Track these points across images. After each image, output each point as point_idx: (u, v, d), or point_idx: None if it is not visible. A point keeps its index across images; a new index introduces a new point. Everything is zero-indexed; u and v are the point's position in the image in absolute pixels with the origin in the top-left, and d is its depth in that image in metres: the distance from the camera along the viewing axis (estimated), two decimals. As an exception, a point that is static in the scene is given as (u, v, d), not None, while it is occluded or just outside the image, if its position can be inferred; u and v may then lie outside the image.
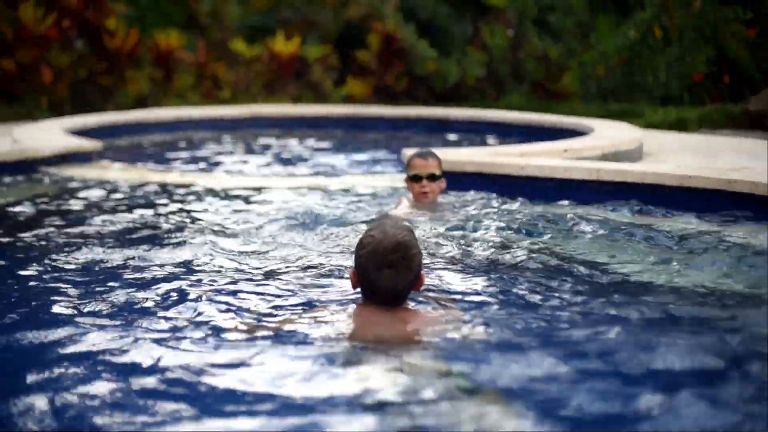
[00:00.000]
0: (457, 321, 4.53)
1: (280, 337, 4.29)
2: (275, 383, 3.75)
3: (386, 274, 4.29)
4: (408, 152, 8.93)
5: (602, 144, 10.22)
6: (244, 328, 4.49)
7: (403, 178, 7.89)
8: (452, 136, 14.35)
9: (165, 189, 8.96)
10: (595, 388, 3.75)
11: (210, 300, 4.93)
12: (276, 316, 4.71)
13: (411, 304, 4.56)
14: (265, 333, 4.40)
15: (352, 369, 3.89)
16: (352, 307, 4.56)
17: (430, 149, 7.93)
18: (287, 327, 4.44)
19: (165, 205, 8.22)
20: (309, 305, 4.92)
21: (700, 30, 17.12)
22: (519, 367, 3.92)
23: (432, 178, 7.45)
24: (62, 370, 3.95)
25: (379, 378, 3.79)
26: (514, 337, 4.39)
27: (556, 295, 5.18)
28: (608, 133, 11.25)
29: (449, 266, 5.87)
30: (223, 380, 3.82)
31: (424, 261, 5.05)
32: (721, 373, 3.94)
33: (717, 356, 4.06)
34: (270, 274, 5.55)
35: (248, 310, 4.80)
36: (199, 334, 4.39)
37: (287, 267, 5.73)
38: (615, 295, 5.21)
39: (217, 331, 4.43)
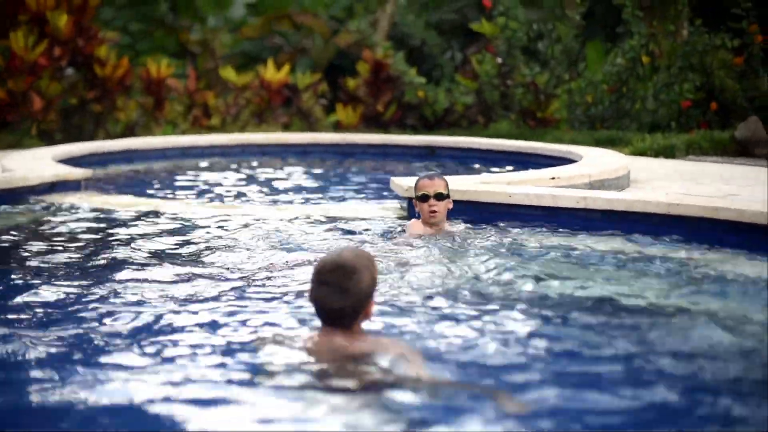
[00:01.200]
0: (400, 356, 4.55)
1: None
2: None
3: (321, 291, 4.53)
4: (399, 180, 9.04)
5: (590, 172, 10.26)
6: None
7: (413, 200, 8.05)
8: (440, 164, 14.38)
9: (154, 217, 8.97)
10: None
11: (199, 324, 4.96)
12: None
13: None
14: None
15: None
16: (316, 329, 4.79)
17: (437, 171, 8.16)
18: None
19: (154, 233, 8.23)
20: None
21: (688, 58, 17.24)
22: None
23: (439, 197, 7.71)
24: (41, 396, 3.98)
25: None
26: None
27: (542, 325, 5.22)
28: (596, 161, 11.30)
29: (442, 289, 5.94)
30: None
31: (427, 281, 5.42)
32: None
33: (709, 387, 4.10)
34: (249, 299, 5.62)
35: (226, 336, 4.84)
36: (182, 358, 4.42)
37: (267, 294, 5.76)
38: (602, 322, 5.24)
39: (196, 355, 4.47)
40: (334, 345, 4.54)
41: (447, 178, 7.89)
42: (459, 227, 8.00)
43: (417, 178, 7.99)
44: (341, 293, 4.50)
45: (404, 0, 25.30)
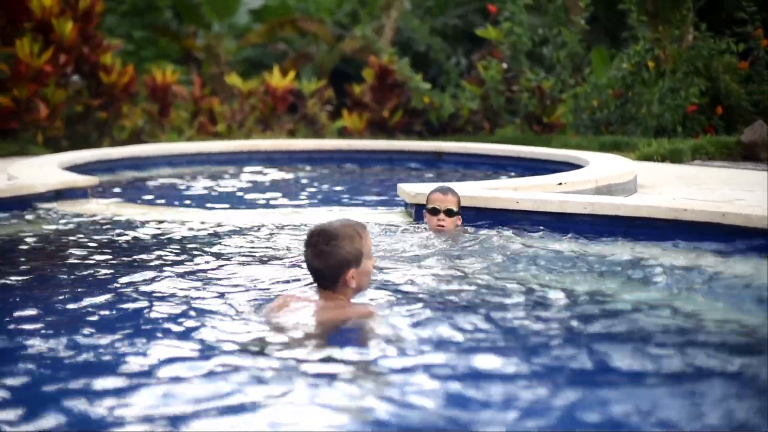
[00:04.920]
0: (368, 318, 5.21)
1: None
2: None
3: (306, 252, 5.23)
4: (406, 187, 9.06)
5: (596, 177, 10.25)
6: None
7: (423, 208, 8.18)
8: (446, 170, 14.38)
9: (160, 224, 8.96)
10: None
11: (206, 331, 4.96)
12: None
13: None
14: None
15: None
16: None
17: (451, 186, 8.21)
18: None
19: (160, 240, 8.22)
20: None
21: (693, 62, 17.22)
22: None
23: (449, 213, 7.87)
24: (51, 403, 3.98)
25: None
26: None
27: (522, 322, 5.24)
28: (602, 167, 11.28)
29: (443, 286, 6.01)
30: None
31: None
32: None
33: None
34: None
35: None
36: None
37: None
38: (606, 327, 5.23)
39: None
40: (318, 309, 5.16)
41: (453, 184, 7.93)
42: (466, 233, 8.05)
43: (431, 188, 8.12)
44: (320, 255, 5.15)
45: (409, 6, 25.32)
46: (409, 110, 20.07)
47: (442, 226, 7.84)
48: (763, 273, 6.62)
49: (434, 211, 7.87)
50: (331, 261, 5.14)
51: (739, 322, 5.36)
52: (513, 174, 12.99)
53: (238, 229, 8.64)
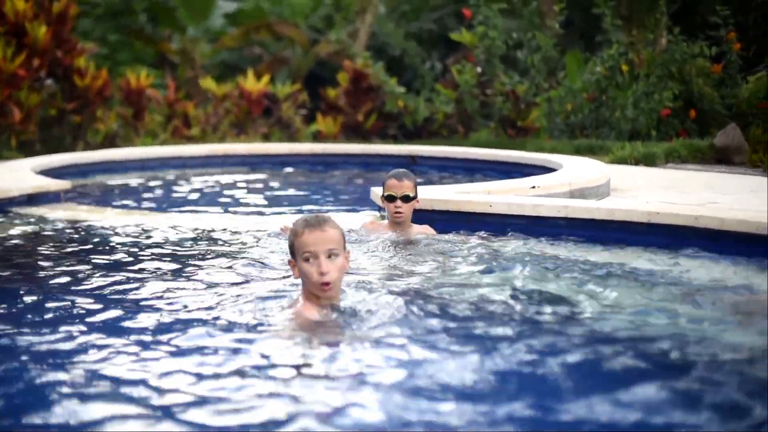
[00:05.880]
0: None
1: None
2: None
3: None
4: (378, 191, 9.05)
5: (570, 180, 10.26)
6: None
7: (380, 197, 8.22)
8: (420, 173, 14.38)
9: (134, 228, 8.93)
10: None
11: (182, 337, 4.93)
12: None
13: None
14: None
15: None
16: None
17: (406, 170, 8.16)
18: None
19: (133, 244, 8.19)
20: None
21: (667, 66, 17.30)
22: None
23: (406, 199, 7.87)
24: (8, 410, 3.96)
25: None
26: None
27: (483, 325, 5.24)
28: (576, 170, 11.31)
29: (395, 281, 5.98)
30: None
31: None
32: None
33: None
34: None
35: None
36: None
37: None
38: (568, 333, 5.23)
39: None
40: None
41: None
42: (428, 232, 8.07)
43: (386, 176, 8.07)
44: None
45: (384, 10, 25.33)
46: (384, 114, 20.09)
47: (401, 212, 7.86)
48: (738, 276, 6.65)
49: (391, 198, 7.87)
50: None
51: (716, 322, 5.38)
52: (487, 178, 13.00)
53: (212, 232, 8.61)
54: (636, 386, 4.26)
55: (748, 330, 5.30)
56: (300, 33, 23.89)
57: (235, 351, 4.73)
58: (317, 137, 19.63)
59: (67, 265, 7.24)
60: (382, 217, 9.13)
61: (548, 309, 5.75)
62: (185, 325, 5.32)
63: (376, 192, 9.25)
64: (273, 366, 4.50)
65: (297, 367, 4.46)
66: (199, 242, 8.24)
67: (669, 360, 4.75)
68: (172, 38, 24.51)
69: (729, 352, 4.85)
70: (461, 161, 14.58)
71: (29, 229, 8.98)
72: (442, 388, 4.26)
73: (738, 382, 4.34)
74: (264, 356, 4.64)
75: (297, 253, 5.04)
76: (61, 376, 4.44)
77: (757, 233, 7.57)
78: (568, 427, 3.88)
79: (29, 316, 5.64)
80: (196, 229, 8.83)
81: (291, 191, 12.88)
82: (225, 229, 8.77)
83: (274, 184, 13.64)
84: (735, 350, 4.87)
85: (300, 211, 10.75)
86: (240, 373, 4.41)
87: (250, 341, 4.89)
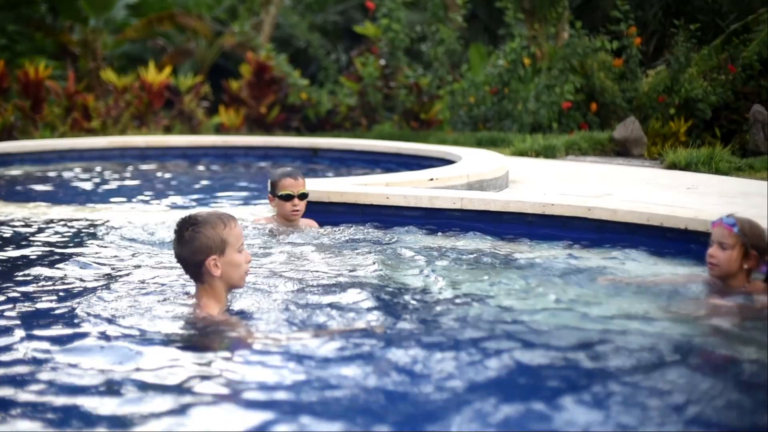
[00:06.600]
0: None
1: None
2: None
3: (174, 240, 5.08)
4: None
5: (468, 172, 10.28)
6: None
7: (269, 197, 8.10)
8: (322, 166, 14.34)
9: (29, 222, 8.75)
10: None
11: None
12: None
13: None
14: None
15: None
16: None
17: (296, 168, 8.28)
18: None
19: (27, 238, 8.02)
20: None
21: (568, 60, 17.44)
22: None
23: (303, 197, 7.94)
24: None
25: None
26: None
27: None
28: (474, 162, 11.34)
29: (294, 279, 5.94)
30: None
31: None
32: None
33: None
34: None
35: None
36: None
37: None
38: (453, 318, 5.24)
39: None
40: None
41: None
42: (312, 225, 8.12)
43: (277, 175, 8.04)
44: (181, 242, 5.01)
45: (289, 2, 25.20)
46: (287, 106, 19.99)
47: (297, 210, 7.90)
48: (628, 266, 6.72)
49: (288, 197, 7.86)
50: (191, 247, 4.96)
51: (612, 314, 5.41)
52: (388, 170, 12.99)
53: (106, 225, 8.47)
54: (516, 374, 4.27)
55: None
56: (204, 25, 23.64)
57: (132, 351, 4.65)
58: (220, 130, 19.46)
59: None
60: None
61: (433, 298, 5.77)
62: (70, 319, 5.22)
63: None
64: (170, 367, 4.44)
65: (198, 366, 4.42)
66: (95, 236, 8.10)
67: (552, 345, 4.78)
68: (74, 29, 24.10)
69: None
70: (363, 154, 14.55)
71: None
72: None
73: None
74: (163, 357, 4.56)
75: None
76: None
77: (648, 224, 7.67)
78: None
79: None
80: (83, 221, 8.68)
81: (190, 183, 12.74)
82: (106, 223, 8.62)
83: (174, 176, 13.47)
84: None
85: (199, 204, 10.65)
86: (139, 372, 4.35)
87: (149, 340, 4.82)
